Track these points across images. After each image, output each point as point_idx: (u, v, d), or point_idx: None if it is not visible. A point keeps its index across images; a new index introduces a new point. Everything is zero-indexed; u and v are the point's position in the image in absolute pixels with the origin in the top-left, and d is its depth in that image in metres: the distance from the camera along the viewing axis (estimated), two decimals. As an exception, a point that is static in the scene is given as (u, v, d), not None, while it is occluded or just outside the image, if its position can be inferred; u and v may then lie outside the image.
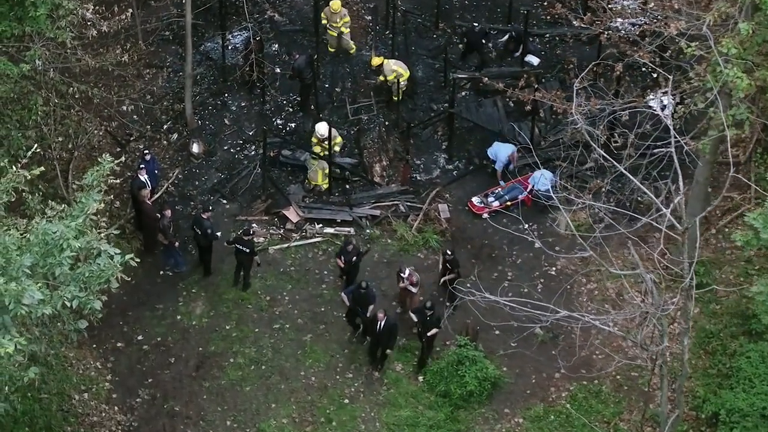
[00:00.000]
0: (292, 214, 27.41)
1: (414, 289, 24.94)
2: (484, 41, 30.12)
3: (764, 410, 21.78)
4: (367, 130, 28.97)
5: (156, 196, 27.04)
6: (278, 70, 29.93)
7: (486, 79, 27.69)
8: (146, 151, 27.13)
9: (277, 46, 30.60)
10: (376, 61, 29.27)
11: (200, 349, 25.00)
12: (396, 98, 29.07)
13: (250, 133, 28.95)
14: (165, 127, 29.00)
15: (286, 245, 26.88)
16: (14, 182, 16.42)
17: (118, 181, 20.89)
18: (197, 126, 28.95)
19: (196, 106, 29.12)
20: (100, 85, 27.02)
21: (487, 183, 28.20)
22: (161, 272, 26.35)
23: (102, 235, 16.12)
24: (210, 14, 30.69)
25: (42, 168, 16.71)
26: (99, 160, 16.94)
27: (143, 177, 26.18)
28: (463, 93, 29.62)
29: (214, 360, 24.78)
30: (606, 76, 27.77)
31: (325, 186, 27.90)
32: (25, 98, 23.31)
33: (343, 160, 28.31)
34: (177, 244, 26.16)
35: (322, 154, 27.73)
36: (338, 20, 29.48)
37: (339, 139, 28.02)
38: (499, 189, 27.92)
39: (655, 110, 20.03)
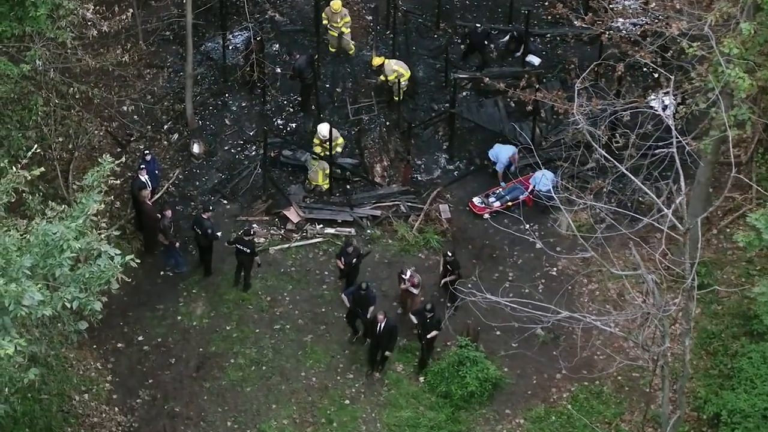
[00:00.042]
0: (293, 215, 27.38)
1: (415, 291, 24.92)
2: (486, 42, 30.09)
3: (766, 411, 21.75)
4: (368, 130, 28.94)
5: (156, 196, 27.00)
6: (279, 70, 29.90)
7: (487, 79, 27.61)
8: (147, 152, 27.11)
9: (277, 46, 30.57)
10: (377, 61, 29.23)
11: (201, 349, 24.98)
12: (397, 98, 29.04)
13: (251, 134, 28.91)
14: (165, 127, 28.97)
15: (286, 246, 26.85)
16: (14, 183, 16.38)
17: (118, 181, 20.82)
18: (198, 126, 28.92)
19: (197, 106, 29.09)
20: (101, 86, 27.02)
21: (488, 183, 28.17)
22: (162, 273, 26.32)
23: (102, 235, 16.09)
24: (211, 14, 30.65)
25: (42, 168, 16.69)
26: (99, 160, 16.91)
27: (144, 177, 26.15)
28: (464, 93, 29.59)
29: (215, 361, 24.75)
30: (607, 76, 27.73)
31: (326, 186, 27.86)
32: (26, 98, 23.29)
33: (343, 161, 28.28)
34: (177, 244, 26.12)
35: (322, 154, 27.70)
36: (339, 20, 29.45)
37: (340, 140, 27.99)
38: (500, 189, 27.90)
39: (656, 110, 20.06)
